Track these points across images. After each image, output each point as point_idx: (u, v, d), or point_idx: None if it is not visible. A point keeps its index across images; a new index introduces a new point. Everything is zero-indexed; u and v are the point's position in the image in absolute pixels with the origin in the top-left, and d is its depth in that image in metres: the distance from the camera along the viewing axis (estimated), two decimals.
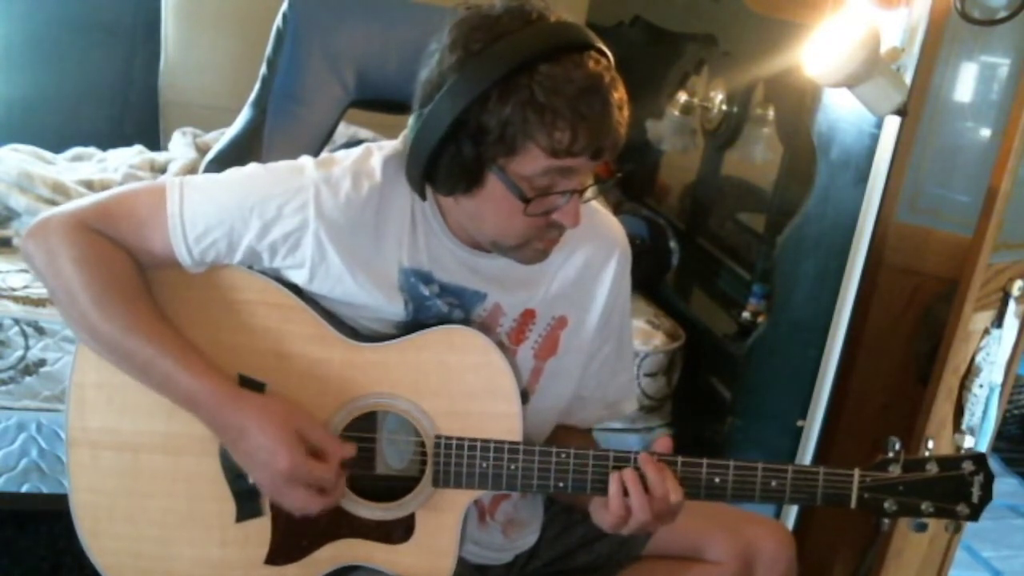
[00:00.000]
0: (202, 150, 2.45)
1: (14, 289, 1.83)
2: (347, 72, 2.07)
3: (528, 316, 1.28)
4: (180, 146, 2.51)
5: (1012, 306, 1.65)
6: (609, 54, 1.10)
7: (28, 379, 1.84)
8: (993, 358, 1.66)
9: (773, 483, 1.19)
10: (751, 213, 2.37)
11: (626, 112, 1.10)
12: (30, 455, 1.86)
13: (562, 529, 1.45)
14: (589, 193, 1.14)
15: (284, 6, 2.07)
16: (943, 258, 1.76)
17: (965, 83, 1.80)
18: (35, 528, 2.02)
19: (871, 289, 1.78)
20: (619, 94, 1.09)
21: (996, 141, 1.66)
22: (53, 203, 2.02)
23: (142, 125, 2.86)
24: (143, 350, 1.14)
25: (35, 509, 1.92)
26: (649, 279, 2.35)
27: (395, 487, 1.24)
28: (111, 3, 2.88)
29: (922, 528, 1.22)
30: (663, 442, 1.20)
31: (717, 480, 1.19)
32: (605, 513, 1.18)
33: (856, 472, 1.19)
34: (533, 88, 1.04)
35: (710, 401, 2.12)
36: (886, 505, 1.19)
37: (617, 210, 2.48)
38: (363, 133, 2.50)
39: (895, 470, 1.18)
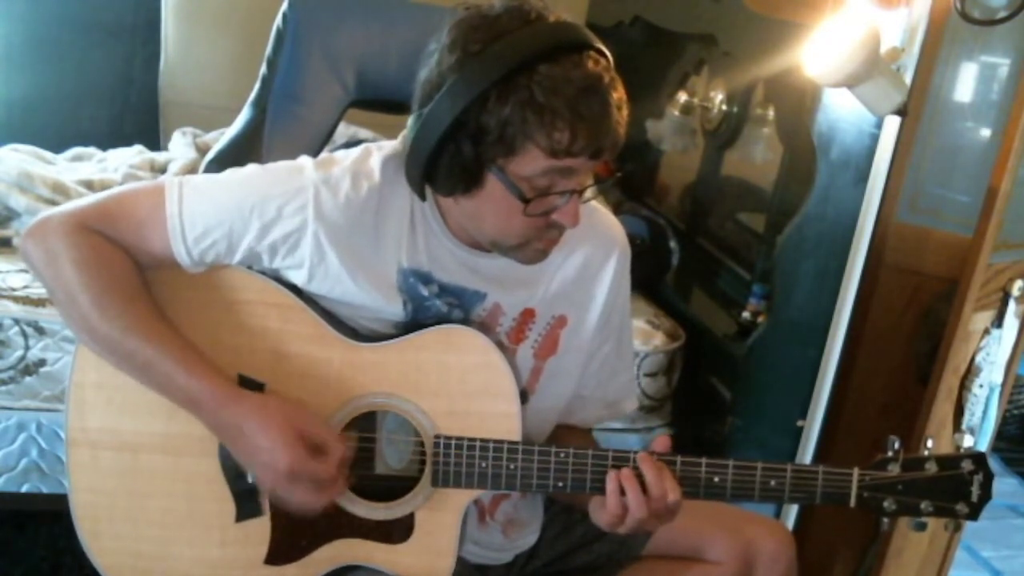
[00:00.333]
0: (202, 150, 2.45)
1: (14, 289, 1.84)
2: (347, 72, 2.07)
3: (528, 315, 1.28)
4: (180, 146, 2.51)
5: (1012, 306, 1.65)
6: (608, 54, 1.10)
7: (28, 379, 1.84)
8: (993, 358, 1.66)
9: (772, 482, 1.19)
10: (751, 213, 2.37)
11: (625, 112, 1.10)
12: (30, 455, 1.86)
13: (562, 529, 1.45)
14: (589, 193, 1.14)
15: (284, 6, 2.07)
16: (943, 258, 1.76)
17: (965, 83, 1.80)
18: (35, 528, 2.02)
19: (871, 289, 1.78)
20: (618, 94, 1.09)
21: (996, 141, 1.66)
22: (53, 203, 2.02)
23: (142, 125, 2.86)
24: (143, 351, 1.14)
25: (35, 509, 1.92)
26: (649, 279, 2.35)
27: (394, 487, 1.24)
28: (111, 3, 2.88)
29: (921, 527, 1.22)
30: (661, 441, 1.20)
31: (716, 479, 1.19)
32: (603, 512, 1.18)
33: (855, 471, 1.19)
34: (532, 88, 1.04)
35: (710, 401, 2.12)
36: (885, 504, 1.19)
37: (617, 210, 2.48)
38: (363, 133, 2.50)
39: (894, 469, 1.18)
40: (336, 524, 1.24)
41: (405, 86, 1.16)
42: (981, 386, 1.66)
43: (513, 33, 1.05)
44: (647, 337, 2.10)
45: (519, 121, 1.05)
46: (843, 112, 1.76)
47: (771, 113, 2.18)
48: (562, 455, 1.20)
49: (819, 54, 1.51)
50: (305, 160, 1.21)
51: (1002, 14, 1.53)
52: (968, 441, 1.67)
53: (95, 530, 1.25)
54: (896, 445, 1.19)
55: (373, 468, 1.27)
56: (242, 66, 2.43)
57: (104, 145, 2.55)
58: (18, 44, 2.79)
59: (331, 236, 1.17)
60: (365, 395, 1.22)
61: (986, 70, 1.79)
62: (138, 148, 2.50)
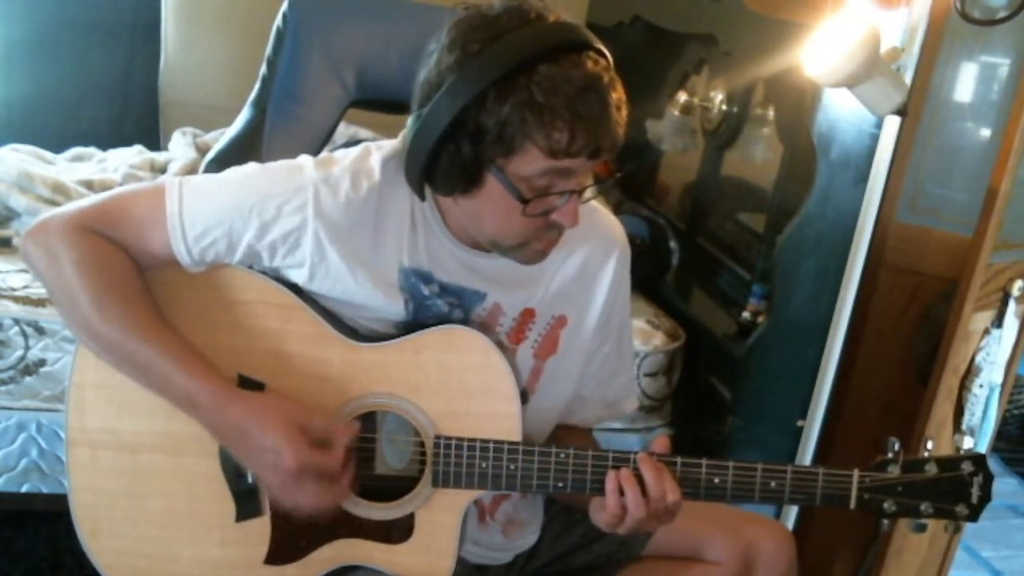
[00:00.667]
0: (202, 150, 2.45)
1: (14, 289, 1.84)
2: (347, 72, 2.07)
3: (528, 315, 1.28)
4: (180, 146, 2.51)
5: (1012, 306, 1.65)
6: (608, 54, 1.10)
7: (28, 379, 1.84)
8: (993, 358, 1.66)
9: (772, 483, 1.19)
10: (751, 213, 2.37)
11: (624, 112, 1.10)
12: (30, 455, 1.86)
13: (562, 529, 1.45)
14: (588, 193, 1.14)
15: (284, 6, 2.07)
16: (943, 258, 1.76)
17: (965, 83, 1.80)
18: (35, 528, 2.02)
19: (871, 289, 1.78)
20: (617, 94, 1.09)
21: (996, 141, 1.66)
22: (53, 203, 2.02)
23: (142, 125, 2.86)
24: (142, 351, 1.14)
25: (35, 509, 1.92)
26: (649, 279, 2.35)
27: (395, 487, 1.24)
28: (111, 3, 2.88)
29: (921, 529, 1.22)
30: (661, 442, 1.20)
31: (716, 480, 1.19)
32: (602, 512, 1.18)
33: (855, 473, 1.18)
34: (531, 88, 1.04)
35: (710, 401, 2.12)
36: (885, 506, 1.19)
37: (617, 210, 2.48)
38: (363, 133, 2.51)
39: (894, 471, 1.18)
40: (336, 524, 1.24)
41: (405, 86, 1.16)
42: (981, 386, 1.66)
43: (512, 33, 1.05)
44: (647, 337, 2.10)
45: (518, 121, 1.05)
46: (843, 112, 1.76)
47: (771, 113, 2.18)
48: (562, 456, 1.20)
49: (819, 54, 1.51)
50: (305, 159, 1.21)
51: (1002, 14, 1.53)
52: (968, 441, 1.67)
53: (95, 530, 1.25)
54: (896, 446, 1.19)
55: (373, 468, 1.27)
56: (242, 66, 2.43)
57: (104, 145, 2.56)
58: (18, 44, 2.80)
59: (331, 234, 1.17)
60: (365, 395, 1.22)
61: (986, 70, 1.79)
62: (138, 148, 2.51)
